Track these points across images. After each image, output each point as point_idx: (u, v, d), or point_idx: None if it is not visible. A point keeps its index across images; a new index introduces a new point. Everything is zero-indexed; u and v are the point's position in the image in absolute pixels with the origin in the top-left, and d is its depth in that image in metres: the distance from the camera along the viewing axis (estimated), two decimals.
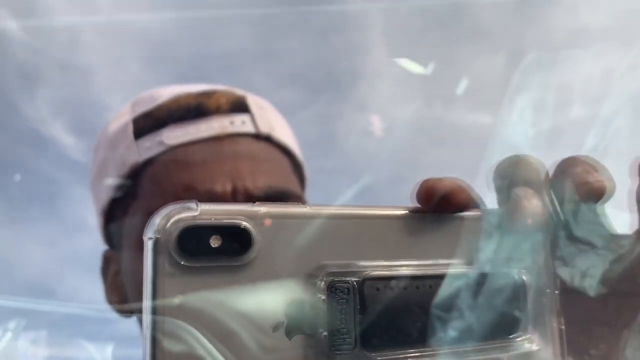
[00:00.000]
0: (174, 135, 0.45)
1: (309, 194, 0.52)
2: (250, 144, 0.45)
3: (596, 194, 0.23)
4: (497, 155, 0.28)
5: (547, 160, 0.25)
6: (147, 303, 0.18)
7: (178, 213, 0.19)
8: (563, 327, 0.23)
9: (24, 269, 0.72)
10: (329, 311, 0.20)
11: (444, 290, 0.22)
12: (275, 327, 0.19)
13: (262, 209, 0.20)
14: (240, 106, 0.47)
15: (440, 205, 0.22)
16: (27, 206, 0.81)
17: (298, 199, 0.46)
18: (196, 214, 0.19)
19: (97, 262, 0.49)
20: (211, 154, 0.44)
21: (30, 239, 0.77)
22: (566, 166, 0.23)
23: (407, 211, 0.22)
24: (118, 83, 0.77)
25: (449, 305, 0.21)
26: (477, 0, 0.65)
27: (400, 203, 0.23)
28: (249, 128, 0.46)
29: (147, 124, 0.46)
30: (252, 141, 0.45)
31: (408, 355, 0.21)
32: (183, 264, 0.19)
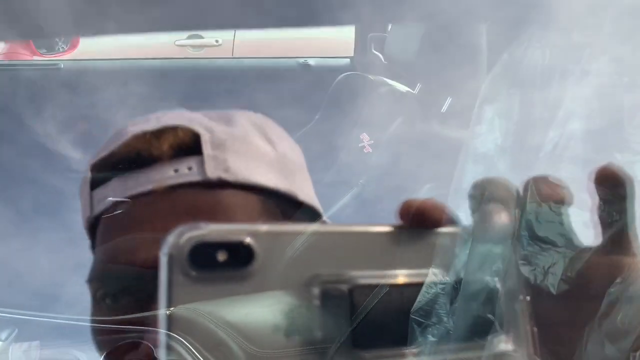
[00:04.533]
0: (115, 191, 0.40)
1: None
2: (194, 196, 0.38)
3: (557, 200, 0.26)
4: (470, 165, 0.30)
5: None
6: (163, 309, 0.21)
7: (189, 232, 0.22)
8: (535, 329, 0.25)
9: (31, 276, 0.75)
10: (323, 315, 0.23)
11: (425, 297, 0.24)
12: (276, 330, 0.22)
13: (263, 227, 0.23)
14: (188, 148, 0.40)
15: (419, 222, 0.25)
16: (35, 217, 0.84)
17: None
18: (205, 232, 0.22)
19: None
20: (145, 214, 0.38)
21: (38, 248, 0.79)
22: (532, 182, 0.26)
23: (391, 227, 0.25)
24: (123, 100, 0.81)
25: (429, 310, 0.24)
26: (470, 23, 0.67)
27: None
28: (194, 176, 0.39)
29: (100, 172, 0.42)
30: (198, 192, 0.38)
31: (395, 353, 0.23)
32: (193, 275, 0.21)
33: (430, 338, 0.23)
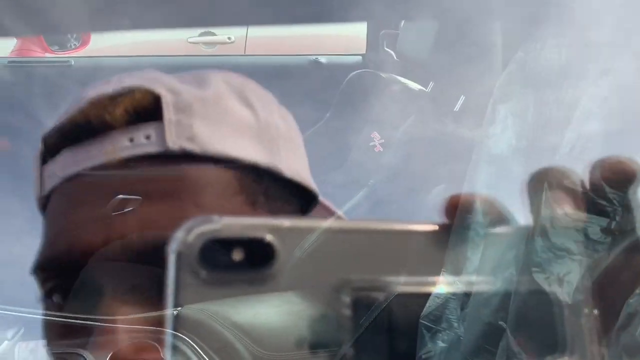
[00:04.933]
0: (64, 164, 0.34)
1: None
2: (152, 171, 0.33)
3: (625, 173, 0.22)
4: (484, 166, 0.28)
5: None
6: (170, 313, 0.19)
7: (199, 226, 0.19)
8: (605, 349, 0.22)
9: None
10: (354, 327, 0.20)
11: (474, 308, 0.21)
12: (299, 342, 0.19)
13: (286, 222, 0.20)
14: (147, 113, 0.33)
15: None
16: None
17: None
18: (218, 227, 0.19)
19: None
20: (93, 193, 0.33)
21: None
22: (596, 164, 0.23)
23: (435, 226, 0.22)
24: None
25: (440, 315, 0.21)
26: (484, 20, 0.66)
27: (423, 216, 0.23)
28: (152, 146, 0.33)
29: (52, 144, 0.36)
30: (157, 165, 0.33)
31: None
32: (205, 277, 0.19)
33: (440, 344, 0.21)
